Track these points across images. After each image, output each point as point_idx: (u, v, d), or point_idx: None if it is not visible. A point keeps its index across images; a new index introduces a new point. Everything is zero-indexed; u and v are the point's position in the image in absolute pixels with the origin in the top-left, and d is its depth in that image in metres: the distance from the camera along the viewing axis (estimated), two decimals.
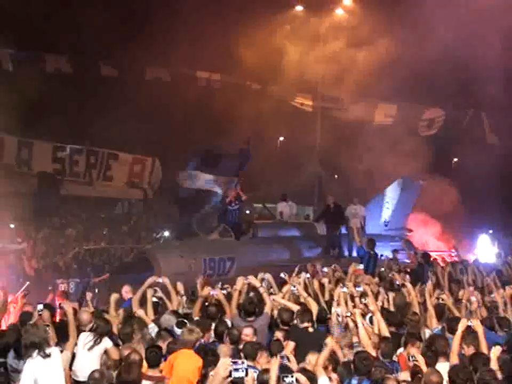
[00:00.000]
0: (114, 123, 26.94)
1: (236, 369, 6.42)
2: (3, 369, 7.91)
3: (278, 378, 6.64)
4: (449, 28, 23.46)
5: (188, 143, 29.22)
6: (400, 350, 8.66)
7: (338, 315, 9.63)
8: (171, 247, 18.73)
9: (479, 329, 8.18)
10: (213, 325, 9.38)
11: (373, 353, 8.12)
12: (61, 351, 8.03)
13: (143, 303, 10.21)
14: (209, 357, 7.87)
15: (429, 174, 25.60)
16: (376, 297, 10.76)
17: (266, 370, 7.04)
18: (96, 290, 16.13)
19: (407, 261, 19.17)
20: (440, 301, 10.60)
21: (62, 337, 8.61)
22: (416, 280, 13.29)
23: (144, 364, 7.71)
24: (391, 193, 24.48)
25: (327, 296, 11.56)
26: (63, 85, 29.93)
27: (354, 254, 19.93)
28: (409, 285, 11.47)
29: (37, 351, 7.48)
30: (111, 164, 34.36)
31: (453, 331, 8.46)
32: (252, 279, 10.72)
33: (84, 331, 8.71)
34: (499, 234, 26.11)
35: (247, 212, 24.99)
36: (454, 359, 7.75)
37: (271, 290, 11.32)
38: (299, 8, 32.01)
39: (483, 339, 8.12)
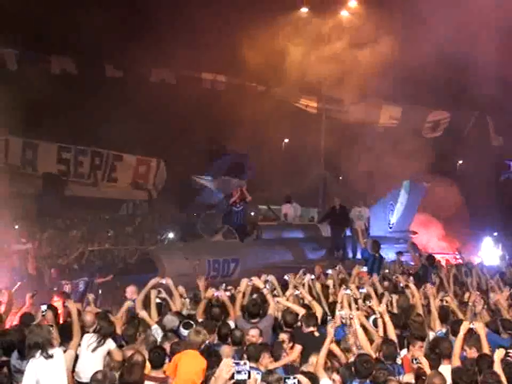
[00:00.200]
0: (119, 124, 27.00)
1: (239, 372, 6.41)
2: (6, 369, 7.92)
3: (280, 379, 6.64)
4: (454, 30, 23.41)
5: (192, 144, 29.27)
6: (404, 352, 8.65)
7: (342, 317, 9.60)
8: (175, 248, 18.76)
9: (481, 331, 8.17)
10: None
11: (374, 355, 8.09)
12: (64, 351, 8.04)
13: (146, 304, 10.20)
14: (212, 358, 7.87)
15: (433, 176, 25.59)
16: (380, 300, 10.73)
17: (270, 372, 7.03)
18: (100, 291, 16.16)
19: (412, 263, 19.15)
20: (444, 303, 10.57)
21: (66, 337, 8.62)
22: (420, 282, 13.23)
23: (148, 365, 7.72)
24: (396, 196, 24.47)
25: (331, 299, 11.55)
26: (68, 86, 30.02)
27: (359, 256, 19.92)
28: (413, 286, 11.43)
29: (39, 351, 7.47)
30: (116, 165, 34.51)
31: (456, 333, 8.44)
32: (255, 281, 10.72)
33: (87, 332, 8.73)
34: (502, 237, 26.08)
35: (252, 213, 24.99)
36: (456, 361, 7.76)
37: (275, 292, 11.30)
38: (304, 9, 32.00)
39: (485, 341, 8.11)
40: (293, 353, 8.56)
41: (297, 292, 10.93)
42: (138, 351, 7.96)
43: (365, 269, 14.60)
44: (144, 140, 32.44)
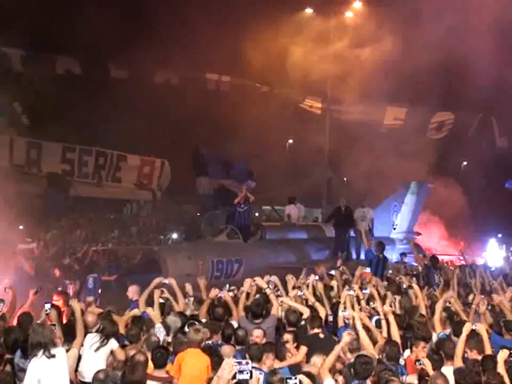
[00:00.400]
0: (123, 124, 27.04)
1: (241, 371, 6.40)
2: (10, 367, 7.93)
3: (282, 380, 6.64)
4: (460, 31, 23.39)
5: (196, 145, 29.26)
6: (407, 352, 8.63)
7: (345, 318, 9.60)
8: (179, 248, 18.77)
9: (483, 332, 8.16)
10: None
11: (376, 356, 8.08)
12: (67, 350, 8.05)
13: (149, 304, 10.19)
14: (214, 357, 7.88)
15: (437, 177, 25.55)
16: (383, 301, 10.71)
17: (274, 372, 7.03)
18: (100, 291, 16.20)
19: (415, 264, 19.11)
20: (448, 304, 10.56)
21: (69, 337, 8.63)
22: (422, 283, 13.23)
23: (150, 364, 7.72)
24: (401, 196, 24.44)
25: (334, 300, 11.54)
26: (72, 86, 30.09)
27: (362, 256, 19.88)
28: (416, 287, 11.42)
29: (42, 350, 7.46)
30: (120, 165, 34.50)
31: (458, 334, 8.43)
32: (258, 281, 10.73)
33: (90, 332, 8.74)
34: (506, 238, 26.05)
35: (256, 214, 24.99)
36: (458, 362, 7.76)
37: (278, 292, 11.30)
38: (308, 10, 31.99)
39: (487, 343, 8.09)
40: (298, 355, 8.54)
41: (300, 293, 10.93)
42: (140, 350, 7.97)
43: (368, 269, 14.56)
44: (148, 140, 32.48)
